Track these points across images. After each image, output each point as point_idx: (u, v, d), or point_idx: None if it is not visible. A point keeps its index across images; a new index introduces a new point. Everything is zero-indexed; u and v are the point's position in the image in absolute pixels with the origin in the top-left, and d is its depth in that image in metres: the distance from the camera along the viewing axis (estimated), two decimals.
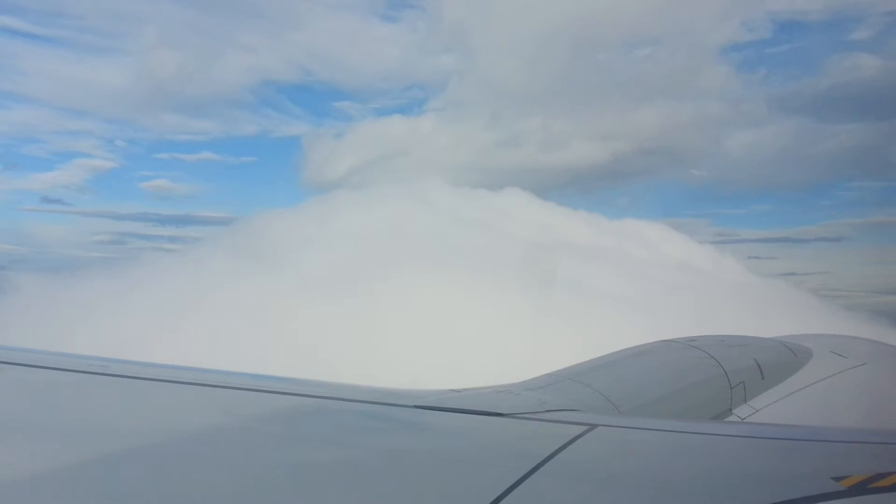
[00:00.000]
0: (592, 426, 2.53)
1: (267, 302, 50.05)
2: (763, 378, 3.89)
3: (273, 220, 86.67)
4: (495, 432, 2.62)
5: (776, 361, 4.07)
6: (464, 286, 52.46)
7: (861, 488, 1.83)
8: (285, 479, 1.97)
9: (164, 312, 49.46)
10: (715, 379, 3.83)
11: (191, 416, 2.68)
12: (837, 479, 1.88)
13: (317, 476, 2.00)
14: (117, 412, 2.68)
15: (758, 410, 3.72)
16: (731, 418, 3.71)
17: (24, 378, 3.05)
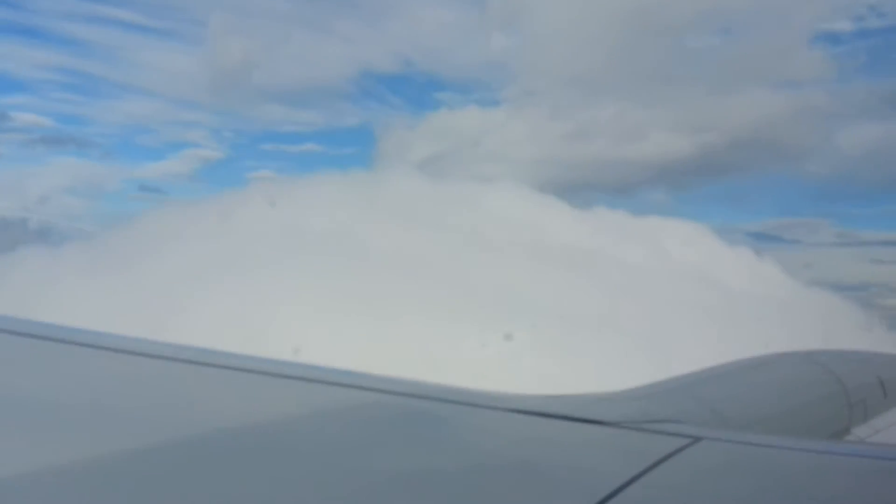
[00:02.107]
0: (697, 439, 2.47)
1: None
2: (886, 396, 3.85)
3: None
4: (595, 441, 2.59)
5: None
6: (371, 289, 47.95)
7: None
8: (397, 487, 1.95)
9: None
10: (833, 395, 3.75)
11: (289, 412, 2.67)
12: None
13: (407, 483, 1.98)
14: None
15: (879, 431, 3.66)
16: (850, 438, 3.64)
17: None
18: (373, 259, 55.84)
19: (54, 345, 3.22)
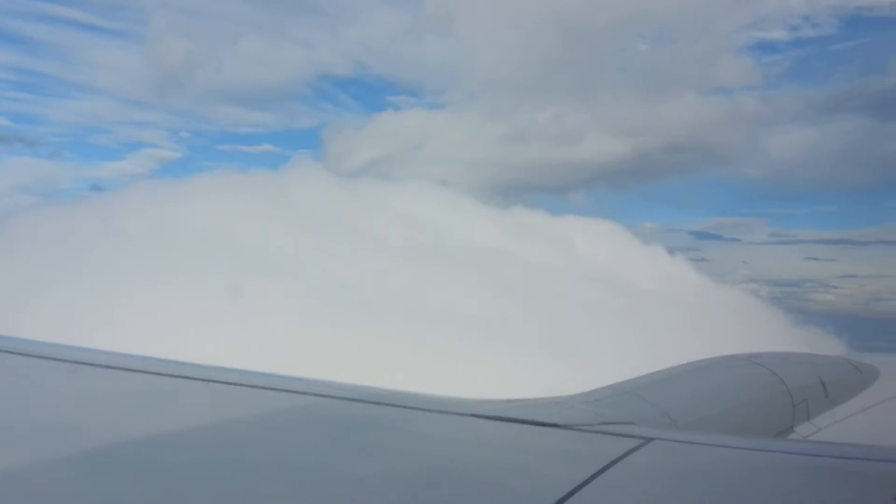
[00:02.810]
0: (648, 440, 2.58)
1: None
2: (827, 396, 4.01)
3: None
4: (551, 444, 2.68)
5: (841, 380, 4.22)
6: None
7: None
8: (344, 488, 2.01)
9: None
10: (777, 396, 3.91)
11: (241, 420, 2.71)
12: None
13: (375, 485, 2.05)
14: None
15: (821, 429, 3.81)
16: (793, 436, 3.79)
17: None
18: (250, 258, 52.87)
19: None
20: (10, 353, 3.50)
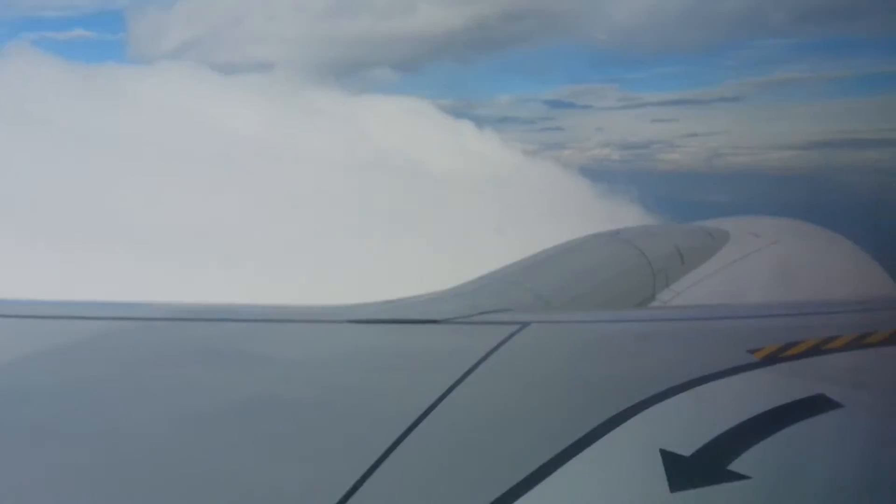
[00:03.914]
0: (525, 324, 2.70)
1: None
2: (683, 263, 4.28)
3: None
4: (429, 340, 2.76)
5: (695, 246, 4.49)
6: None
7: (774, 358, 2.11)
8: (216, 406, 2.04)
9: None
10: (639, 268, 4.16)
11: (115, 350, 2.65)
12: (752, 351, 2.15)
13: (249, 400, 2.08)
14: None
15: (679, 294, 4.10)
16: (655, 304, 4.05)
17: None
18: None
19: None
20: None
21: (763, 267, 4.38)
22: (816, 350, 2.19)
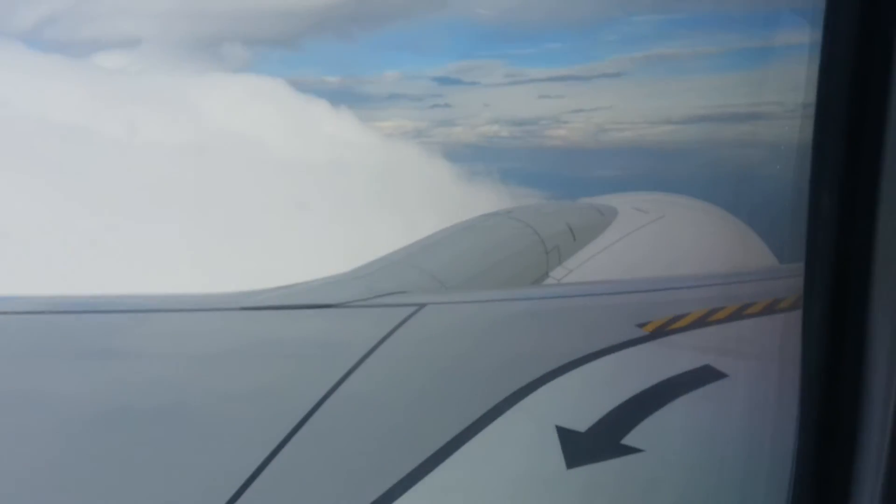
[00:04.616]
0: (421, 306, 2.75)
1: None
2: (575, 240, 4.37)
3: None
4: (326, 324, 2.79)
5: (586, 223, 4.59)
6: None
7: (661, 331, 2.23)
8: (98, 403, 2.03)
9: None
10: (532, 246, 4.23)
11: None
12: (641, 325, 2.27)
13: (139, 392, 2.08)
14: None
15: (571, 271, 4.19)
16: (549, 281, 4.13)
17: None
18: None
19: None
20: None
21: (649, 241, 4.54)
22: (701, 322, 2.29)
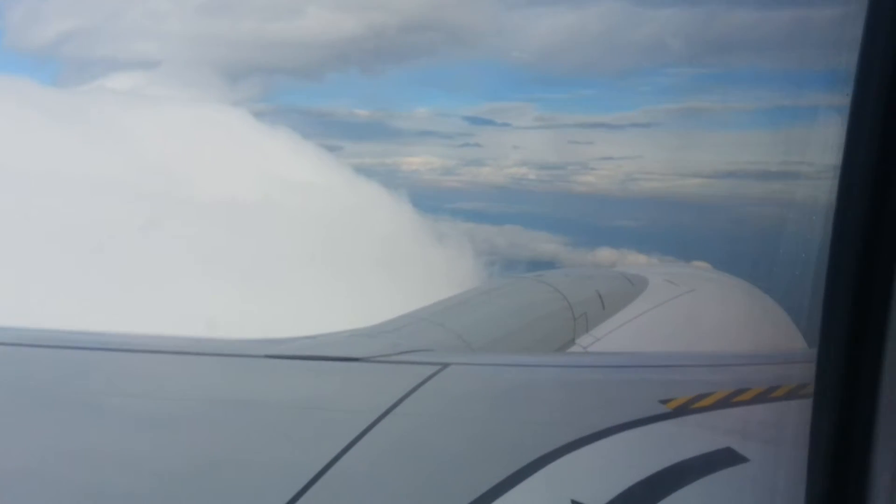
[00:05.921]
0: (445, 365, 2.77)
1: None
2: (604, 308, 4.37)
3: None
4: (349, 377, 2.81)
5: (615, 291, 4.59)
6: None
7: (684, 409, 2.22)
8: (144, 437, 2.10)
9: None
10: (559, 311, 4.24)
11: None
12: (664, 401, 2.25)
13: (169, 432, 2.13)
14: None
15: (599, 339, 4.17)
16: (575, 348, 4.11)
17: None
18: None
19: None
20: None
21: (678, 314, 4.54)
22: (725, 402, 2.28)
